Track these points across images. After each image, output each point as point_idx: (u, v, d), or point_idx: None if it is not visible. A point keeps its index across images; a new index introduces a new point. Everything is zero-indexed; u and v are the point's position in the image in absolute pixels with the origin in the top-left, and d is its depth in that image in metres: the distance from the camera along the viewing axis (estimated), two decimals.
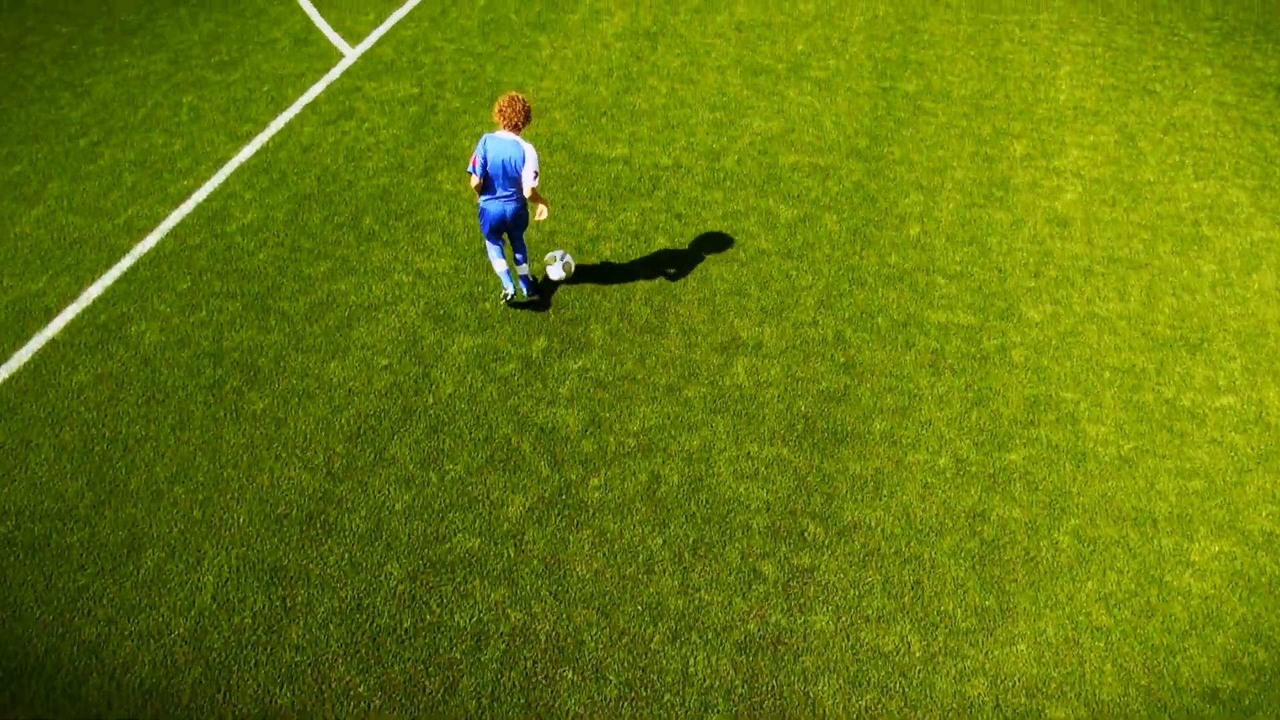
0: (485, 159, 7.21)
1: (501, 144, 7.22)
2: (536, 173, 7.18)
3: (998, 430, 7.36)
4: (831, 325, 8.16)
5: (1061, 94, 11.26)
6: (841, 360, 7.85)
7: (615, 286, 8.41)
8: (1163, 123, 10.86)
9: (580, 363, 7.72)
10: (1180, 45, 12.32)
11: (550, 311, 8.15)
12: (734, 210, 9.31)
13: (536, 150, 7.61)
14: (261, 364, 7.56)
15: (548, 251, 8.53)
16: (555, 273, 8.12)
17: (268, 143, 9.85)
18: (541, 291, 8.29)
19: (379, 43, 11.54)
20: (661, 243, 8.89)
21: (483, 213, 7.56)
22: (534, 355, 7.76)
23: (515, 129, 7.25)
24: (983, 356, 7.94)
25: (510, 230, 7.76)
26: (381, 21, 11.95)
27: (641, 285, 8.44)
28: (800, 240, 9.01)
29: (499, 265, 7.94)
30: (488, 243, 7.83)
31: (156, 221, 8.82)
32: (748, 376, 7.67)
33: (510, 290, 8.00)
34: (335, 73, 10.99)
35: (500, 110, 7.21)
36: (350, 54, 11.31)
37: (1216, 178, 10.04)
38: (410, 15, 12.10)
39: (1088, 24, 12.70)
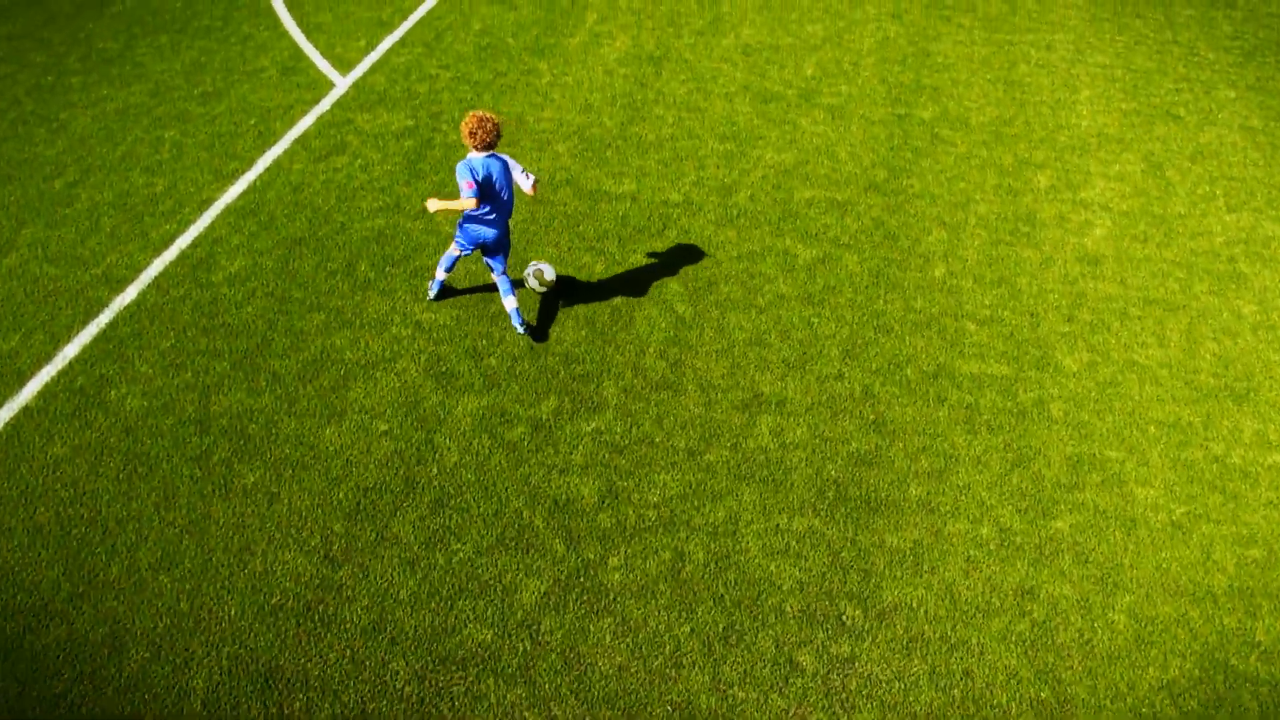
0: (485, 181, 7.12)
1: (488, 164, 7.15)
2: (524, 169, 7.34)
3: (1041, 495, 6.91)
4: (858, 378, 7.69)
5: (1083, 120, 10.84)
6: (871, 417, 7.39)
7: (627, 337, 7.92)
8: (1189, 150, 10.44)
9: (593, 424, 7.22)
10: (1201, 66, 11.91)
11: (559, 366, 7.66)
12: (750, 251, 8.83)
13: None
14: (252, 431, 7.04)
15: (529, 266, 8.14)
16: (533, 284, 7.82)
17: (255, 181, 9.32)
18: (536, 332, 7.93)
19: (371, 70, 11.02)
20: (674, 287, 8.41)
21: (467, 234, 7.46)
22: (544, 417, 7.26)
23: (489, 149, 7.11)
24: (1020, 411, 7.49)
25: (493, 254, 7.58)
26: (373, 48, 11.43)
27: (656, 336, 7.95)
28: (820, 283, 8.54)
29: (441, 274, 7.91)
30: (453, 251, 7.72)
31: (137, 271, 8.28)
32: (772, 438, 7.20)
33: (433, 294, 8.04)
34: (325, 104, 10.46)
35: (471, 132, 7.05)
36: (341, 83, 10.78)
37: (1250, 209, 9.63)
38: (403, 41, 11.59)
39: (1105, 44, 12.28)
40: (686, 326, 8.06)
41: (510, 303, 7.69)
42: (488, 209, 7.26)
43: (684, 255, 8.74)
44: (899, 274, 8.69)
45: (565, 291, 8.31)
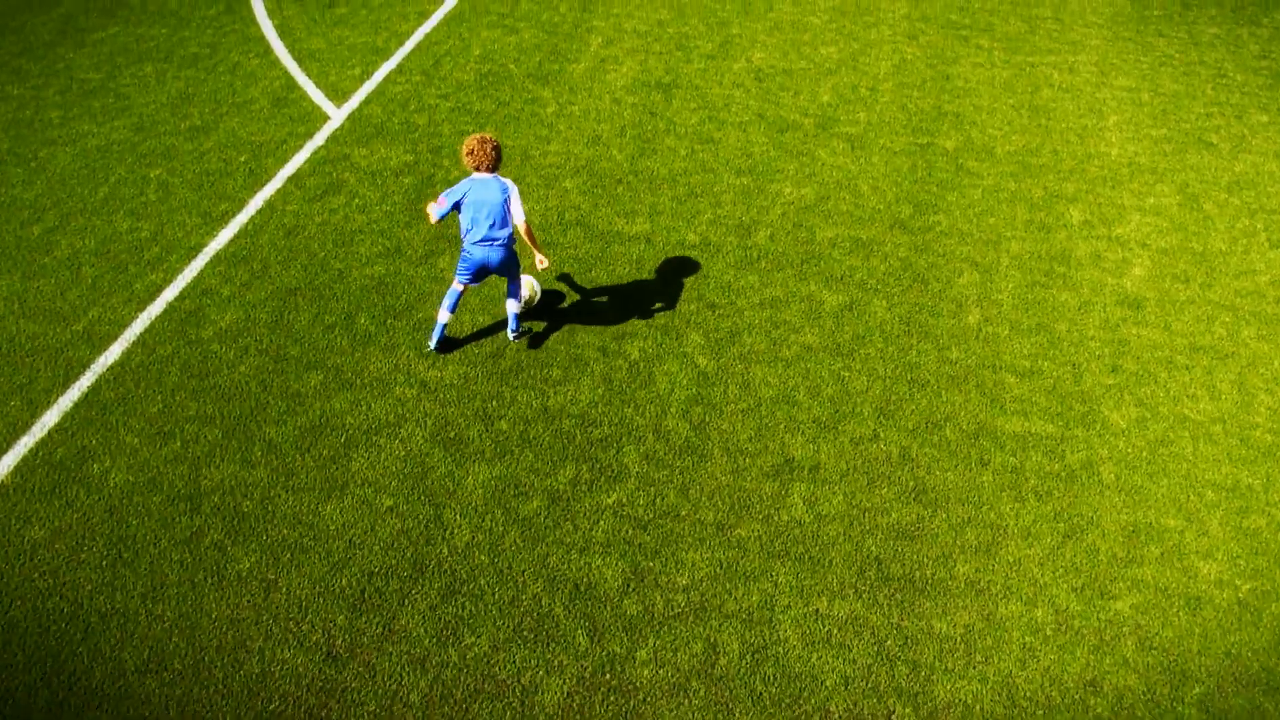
0: (461, 201, 7.05)
1: (483, 184, 7.04)
2: (522, 207, 7.11)
3: (1097, 571, 6.43)
4: (895, 439, 7.21)
5: (1113, 149, 10.38)
6: (910, 484, 6.90)
7: (647, 395, 7.42)
8: (1225, 180, 10.00)
9: (614, 496, 6.72)
10: (1230, 89, 11.47)
11: (575, 430, 7.15)
12: (772, 297, 8.34)
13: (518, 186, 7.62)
14: (246, 509, 6.51)
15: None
16: (511, 306, 7.65)
17: (247, 225, 8.79)
18: (527, 333, 7.81)
19: (367, 101, 10.49)
20: (695, 339, 7.91)
21: (466, 260, 7.26)
22: (561, 488, 6.76)
23: (491, 170, 7.07)
24: (1068, 475, 7.02)
25: (499, 274, 7.43)
26: (368, 76, 10.90)
27: (677, 394, 7.45)
28: (849, 333, 8.06)
29: (444, 315, 7.55)
30: (452, 287, 7.50)
31: (122, 327, 7.75)
32: (806, 509, 6.70)
33: (434, 343, 7.63)
34: (320, 138, 9.93)
35: (471, 153, 7.03)
36: (336, 115, 10.26)
37: None
38: (400, 68, 11.06)
39: (1129, 66, 11.83)
40: (709, 383, 7.57)
41: (514, 306, 7.65)
42: (481, 233, 7.09)
43: (704, 303, 8.25)
44: (931, 321, 8.21)
45: (581, 346, 7.81)
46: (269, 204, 9.05)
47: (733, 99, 10.88)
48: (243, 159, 9.57)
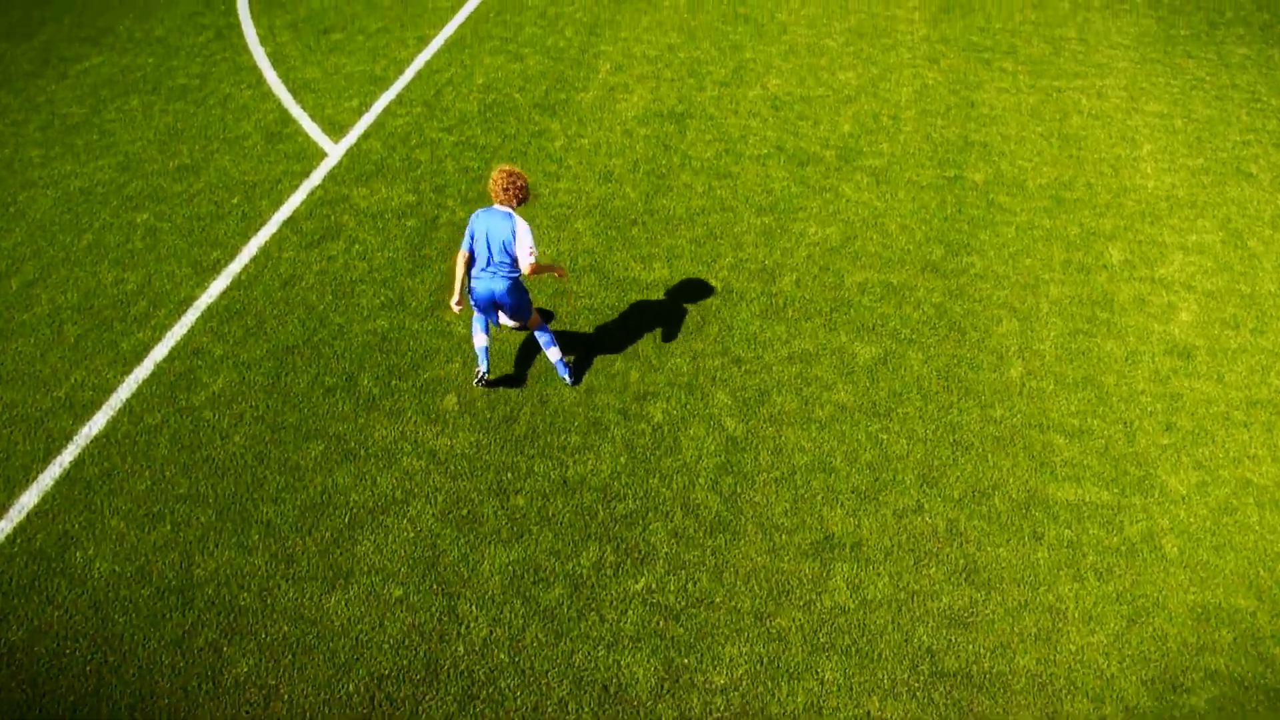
0: (473, 234, 6.79)
1: (494, 217, 6.76)
2: (532, 248, 6.71)
3: (1167, 661, 5.94)
4: (940, 510, 6.71)
5: (1149, 180, 9.90)
6: (960, 562, 6.41)
7: (673, 464, 6.91)
8: (1269, 214, 9.53)
9: (643, 581, 6.21)
10: (1266, 114, 11.01)
11: (597, 504, 6.64)
12: (802, 350, 7.85)
13: (529, 227, 7.21)
14: (244, 602, 5.99)
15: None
16: (553, 355, 7.32)
17: (240, 275, 8.26)
18: (580, 377, 7.36)
19: (366, 135, 9.96)
20: (722, 399, 7.41)
21: (473, 293, 6.95)
22: (584, 573, 6.24)
23: (509, 206, 6.79)
24: (1129, 549, 6.53)
25: (508, 312, 7.07)
26: (367, 108, 10.37)
27: (705, 462, 6.95)
28: (885, 389, 7.56)
29: (480, 340, 7.22)
30: (475, 317, 7.24)
31: (106, 393, 7.21)
32: (850, 593, 6.20)
33: (484, 369, 7.19)
34: (316, 176, 9.40)
35: (499, 186, 6.74)
36: (333, 152, 9.72)
37: None
38: (400, 99, 10.53)
39: (1159, 90, 11.36)
40: (739, 448, 7.06)
41: (555, 354, 7.29)
42: (485, 264, 6.82)
43: (729, 357, 7.74)
44: (971, 375, 7.72)
45: (600, 408, 7.29)
46: (263, 251, 8.51)
47: (749, 129, 10.38)
48: (235, 201, 9.04)
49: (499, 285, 6.82)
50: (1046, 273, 8.72)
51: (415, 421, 7.12)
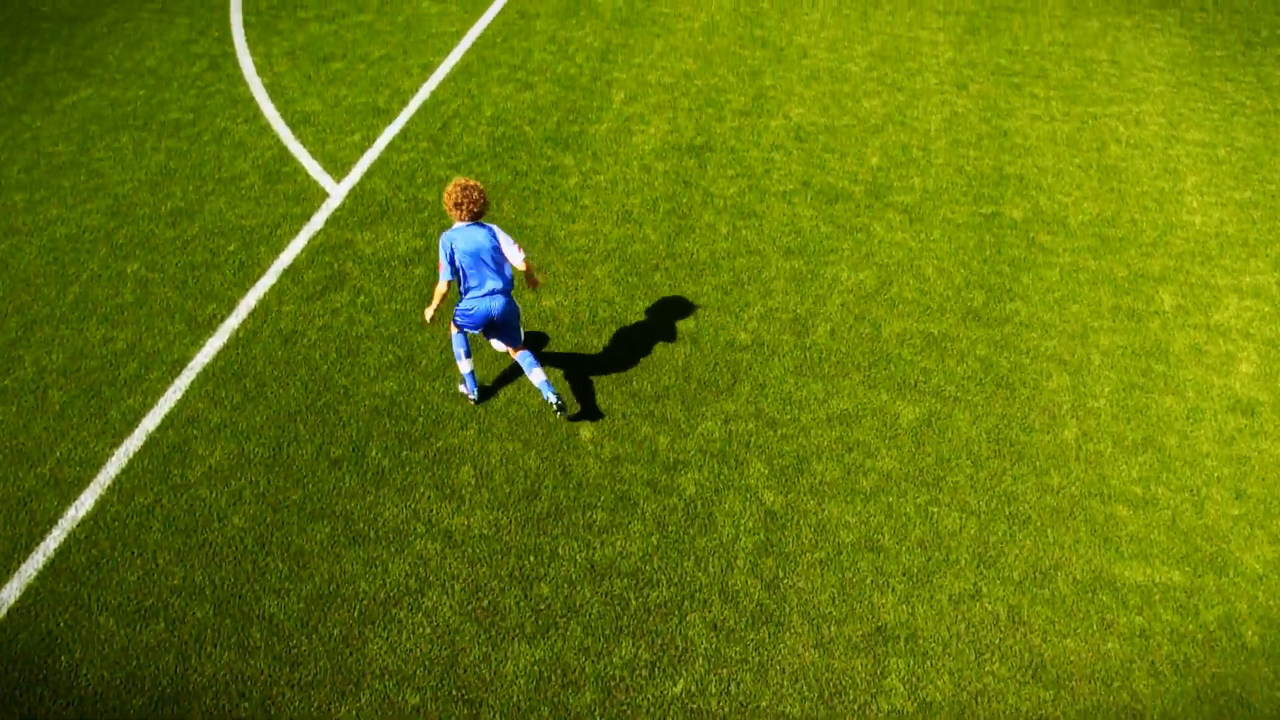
0: (453, 255, 6.53)
1: (470, 233, 6.55)
2: (519, 246, 6.70)
3: None
4: (1000, 595, 6.19)
5: (1195, 216, 9.40)
6: (1025, 657, 5.88)
7: (709, 544, 6.39)
8: None
9: (681, 684, 5.68)
10: None
11: (628, 591, 6.11)
12: (840, 411, 7.33)
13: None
14: (244, 712, 5.45)
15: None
16: (537, 376, 6.97)
17: (238, 332, 7.72)
18: (564, 405, 6.95)
19: (369, 174, 9.43)
20: (758, 469, 6.88)
21: (467, 315, 6.71)
22: (616, 673, 5.71)
23: (476, 219, 6.58)
24: (1207, 638, 6.01)
25: (502, 331, 6.89)
26: (370, 143, 9.84)
27: (743, 541, 6.42)
28: (932, 455, 7.04)
29: (465, 365, 7.03)
30: (455, 338, 6.98)
31: (95, 468, 6.67)
32: (908, 694, 5.68)
33: (474, 394, 7.07)
34: (318, 220, 8.87)
35: (456, 203, 6.51)
36: (335, 192, 9.19)
37: None
38: (404, 134, 10.00)
39: (1199, 116, 10.86)
40: (779, 525, 6.53)
41: (538, 376, 6.93)
42: (479, 283, 6.61)
43: (764, 420, 7.22)
44: (1023, 437, 7.20)
45: (627, 480, 6.76)
46: (262, 304, 7.98)
47: (773, 163, 9.85)
48: (231, 248, 8.50)
49: (497, 303, 6.64)
50: (1095, 320, 8.21)
51: (428, 498, 6.59)
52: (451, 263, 6.53)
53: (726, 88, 11.00)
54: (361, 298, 8.09)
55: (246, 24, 11.71)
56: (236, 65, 10.94)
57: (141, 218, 8.78)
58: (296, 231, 8.71)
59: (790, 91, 11.00)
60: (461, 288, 6.65)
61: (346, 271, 8.33)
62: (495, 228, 6.66)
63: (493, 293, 6.60)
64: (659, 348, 7.77)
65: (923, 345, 7.91)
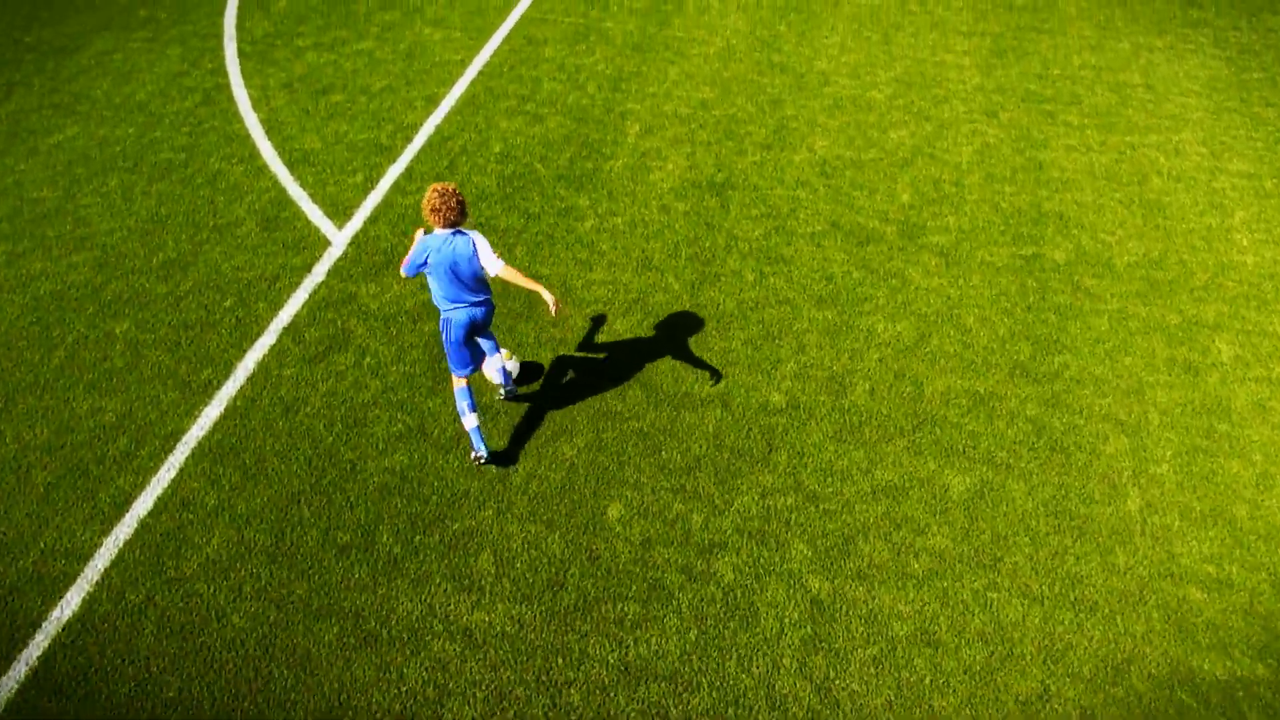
0: (426, 265, 6.32)
1: (446, 243, 6.27)
2: (496, 254, 6.39)
3: None
4: (1071, 696, 5.68)
5: (1247, 256, 8.90)
6: None
7: (752, 640, 5.87)
8: None
9: None
10: None
11: (665, 696, 5.59)
12: (885, 482, 6.81)
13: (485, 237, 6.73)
14: None
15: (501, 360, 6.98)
16: (496, 376, 6.85)
17: (235, 400, 7.19)
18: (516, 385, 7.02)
19: (373, 219, 8.90)
20: (800, 550, 6.37)
21: (448, 324, 6.48)
22: None
23: (454, 225, 6.28)
24: None
25: (484, 333, 6.79)
26: (373, 184, 9.30)
27: (789, 636, 5.90)
28: (987, 532, 6.53)
29: (470, 420, 6.67)
30: (458, 390, 6.67)
31: (82, 561, 6.14)
32: None
33: (484, 452, 6.66)
34: (320, 271, 8.33)
35: (433, 209, 6.21)
36: (337, 240, 8.65)
37: None
38: (409, 173, 9.46)
39: (1240, 145, 10.36)
40: (826, 616, 6.02)
41: (497, 362, 6.90)
42: (457, 297, 6.40)
43: (804, 494, 6.70)
44: (1083, 510, 6.69)
45: (660, 566, 6.24)
46: (261, 368, 7.45)
47: (799, 202, 9.34)
48: (227, 304, 7.96)
49: (478, 311, 6.49)
50: (1150, 374, 7.70)
51: (445, 590, 6.07)
52: (423, 268, 6.36)
53: (746, 118, 10.48)
54: (368, 359, 7.55)
55: (241, 53, 11.17)
56: (231, 99, 10.40)
57: (131, 271, 8.24)
58: (297, 284, 8.18)
59: (813, 122, 10.49)
60: (440, 302, 6.46)
61: (350, 329, 7.80)
62: (476, 237, 6.32)
63: (474, 304, 6.46)
64: (687, 412, 7.25)
65: (969, 405, 7.40)
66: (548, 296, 6.29)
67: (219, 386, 7.28)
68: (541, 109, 10.47)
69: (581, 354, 7.65)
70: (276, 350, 7.60)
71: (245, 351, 7.56)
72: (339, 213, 8.95)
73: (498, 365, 6.87)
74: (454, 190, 6.23)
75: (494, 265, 6.28)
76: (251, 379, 7.36)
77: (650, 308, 8.12)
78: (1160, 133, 10.52)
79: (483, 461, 6.65)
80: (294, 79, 10.77)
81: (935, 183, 9.67)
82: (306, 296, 8.07)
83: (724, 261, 8.61)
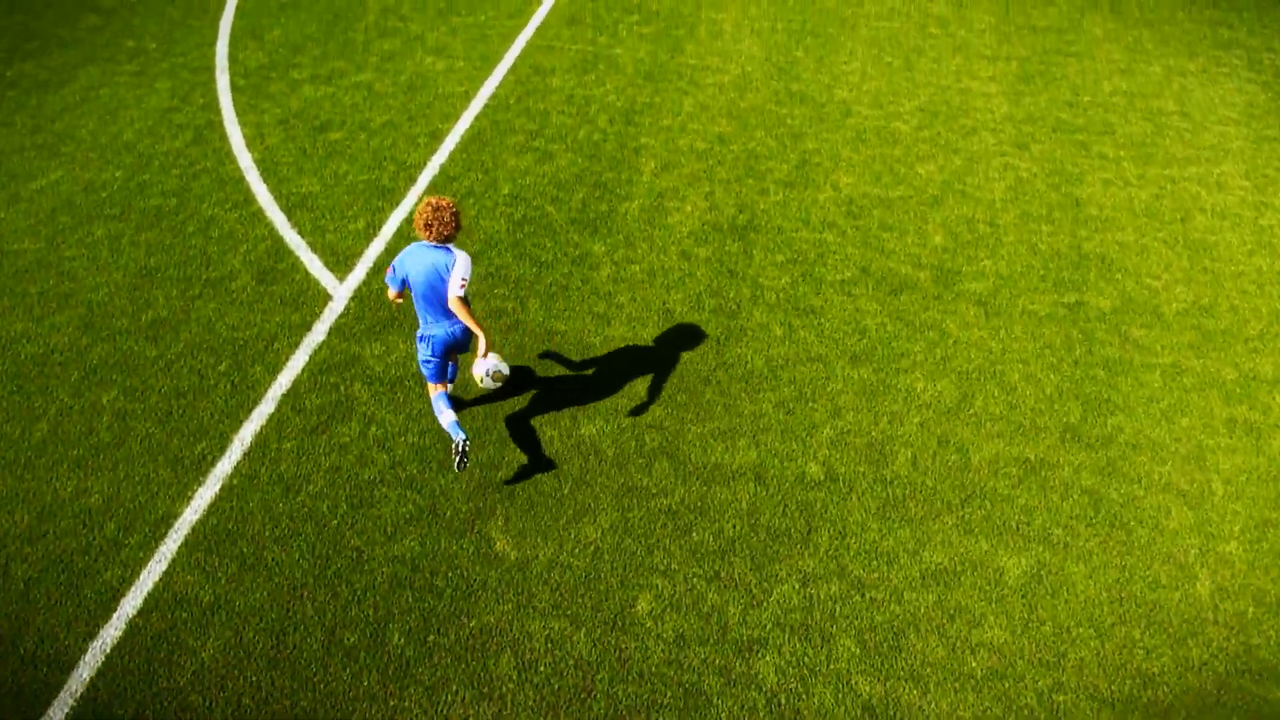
0: (406, 278, 6.23)
1: (427, 256, 6.13)
2: (465, 280, 6.13)
3: None
4: None
5: None
6: None
7: None
8: None
9: None
10: None
11: None
12: (935, 566, 6.31)
13: (470, 259, 6.33)
14: None
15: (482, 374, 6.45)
16: (488, 383, 6.42)
17: (231, 479, 6.67)
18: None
19: (375, 268, 8.38)
20: (847, 646, 5.86)
21: (427, 341, 6.40)
22: None
23: (446, 240, 6.17)
24: None
25: (463, 349, 6.62)
26: (375, 231, 8.78)
27: None
28: (1048, 623, 6.03)
29: (446, 417, 6.57)
30: (434, 393, 6.63)
31: (65, 671, 5.60)
32: None
33: (463, 439, 6.38)
34: (320, 329, 7.81)
35: (426, 223, 6.11)
36: (338, 294, 8.14)
37: None
38: (413, 218, 8.93)
39: None
40: (874, 718, 5.52)
41: (489, 362, 6.43)
42: (435, 316, 6.30)
43: (848, 580, 6.19)
44: (1150, 595, 6.20)
45: (697, 669, 5.72)
46: (259, 441, 6.93)
47: (826, 246, 8.84)
48: (222, 368, 7.44)
49: (458, 328, 6.35)
50: (1210, 437, 7.21)
51: (463, 699, 5.55)
52: (404, 283, 6.29)
53: (766, 153, 9.98)
54: (373, 429, 7.04)
55: (234, 87, 10.65)
56: (224, 138, 9.87)
57: (119, 332, 7.71)
58: (296, 345, 7.66)
59: (836, 156, 9.99)
60: (419, 312, 6.35)
61: (354, 395, 7.28)
62: (459, 257, 6.16)
63: (452, 323, 6.33)
64: (719, 487, 6.74)
65: (1019, 475, 6.90)
66: (482, 344, 6.17)
67: (213, 463, 6.76)
68: (551, 145, 9.96)
69: (602, 421, 7.14)
70: (275, 421, 7.07)
71: (241, 422, 7.04)
72: (339, 263, 8.43)
73: (488, 366, 6.37)
74: (449, 205, 6.10)
75: (454, 293, 6.12)
76: (248, 453, 6.84)
77: (674, 368, 7.61)
78: (1200, 164, 10.04)
79: (464, 455, 6.34)
80: (290, 115, 10.24)
81: (968, 222, 9.18)
82: (306, 359, 7.55)
83: (750, 314, 8.11)
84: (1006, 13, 12.83)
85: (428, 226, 6.10)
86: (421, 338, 6.43)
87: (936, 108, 10.82)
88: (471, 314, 6.20)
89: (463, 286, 6.09)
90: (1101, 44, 12.19)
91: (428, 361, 6.50)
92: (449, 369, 6.79)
